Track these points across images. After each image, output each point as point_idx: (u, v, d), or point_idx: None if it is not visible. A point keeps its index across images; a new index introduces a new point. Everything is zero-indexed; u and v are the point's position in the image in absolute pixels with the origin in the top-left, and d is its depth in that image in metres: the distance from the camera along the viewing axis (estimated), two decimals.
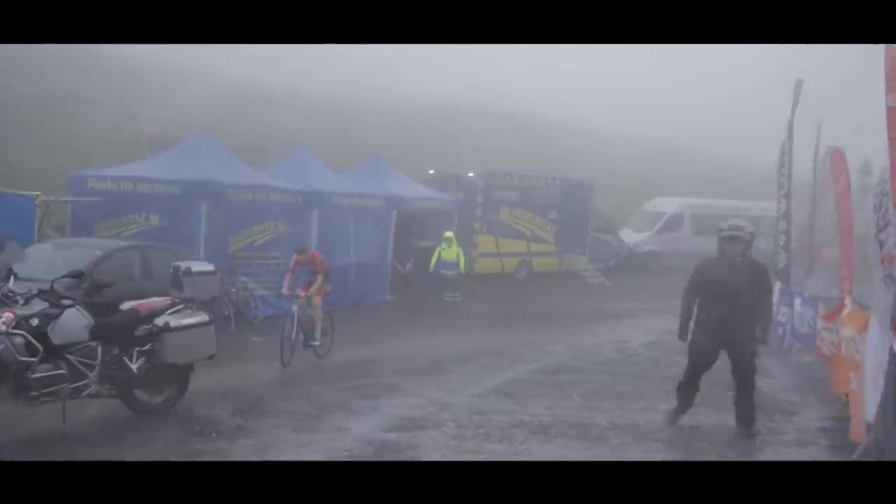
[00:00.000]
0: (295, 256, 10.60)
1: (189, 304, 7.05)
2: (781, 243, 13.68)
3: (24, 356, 6.06)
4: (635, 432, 6.95)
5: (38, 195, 11.08)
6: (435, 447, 6.18)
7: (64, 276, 6.50)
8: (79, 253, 9.49)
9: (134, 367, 6.66)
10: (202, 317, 7.00)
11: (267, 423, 6.94)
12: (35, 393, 6.16)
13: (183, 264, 7.17)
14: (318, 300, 10.45)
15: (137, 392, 6.91)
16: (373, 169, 17.39)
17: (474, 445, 6.25)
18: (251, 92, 28.07)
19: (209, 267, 7.30)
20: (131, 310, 6.82)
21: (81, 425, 6.61)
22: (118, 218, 12.64)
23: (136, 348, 6.70)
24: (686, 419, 7.31)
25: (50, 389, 6.21)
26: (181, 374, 7.09)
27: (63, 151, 17.95)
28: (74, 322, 6.38)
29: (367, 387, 8.68)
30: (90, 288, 8.76)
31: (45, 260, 9.43)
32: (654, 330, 14.39)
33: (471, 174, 19.82)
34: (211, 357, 7.06)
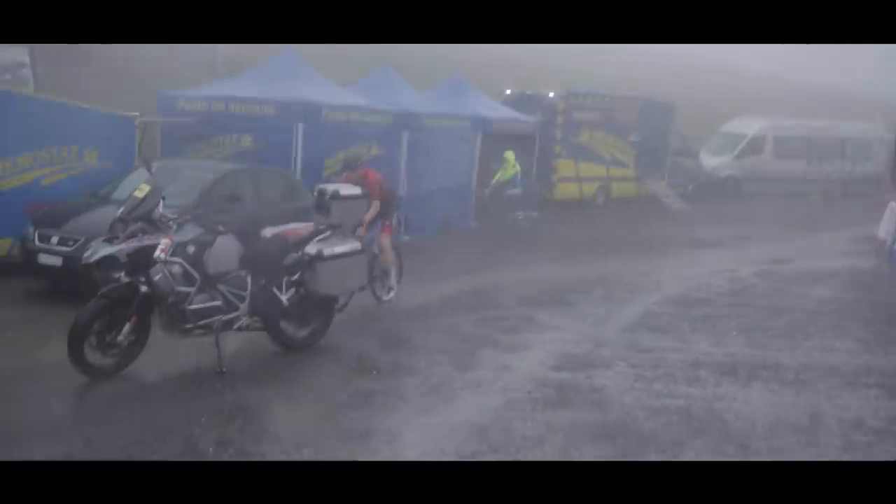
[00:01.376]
0: (344, 174, 8.63)
1: (336, 229, 6.60)
2: None
3: (181, 286, 5.70)
4: (837, 375, 6.42)
5: (137, 116, 10.61)
6: (621, 389, 5.76)
7: (225, 198, 6.09)
8: (192, 176, 9.04)
9: (284, 298, 6.27)
10: (354, 244, 6.56)
11: (423, 359, 6.58)
12: (190, 325, 5.83)
13: (330, 187, 6.70)
14: (384, 240, 8.72)
15: (283, 325, 6.55)
16: (455, 88, 16.63)
17: (663, 388, 5.82)
18: None
19: (356, 190, 6.80)
20: (279, 237, 6.39)
21: (230, 361, 6.28)
22: (209, 140, 12.18)
23: (286, 278, 6.30)
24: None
25: (205, 322, 5.88)
26: (327, 306, 6.70)
27: (129, 72, 17.44)
28: (227, 250, 6.00)
29: (500, 319, 8.26)
30: (218, 204, 8.36)
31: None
32: (755, 259, 13.81)
33: (551, 94, 18.94)
34: (363, 288, 6.64)
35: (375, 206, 8.26)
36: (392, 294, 8.48)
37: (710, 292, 10.50)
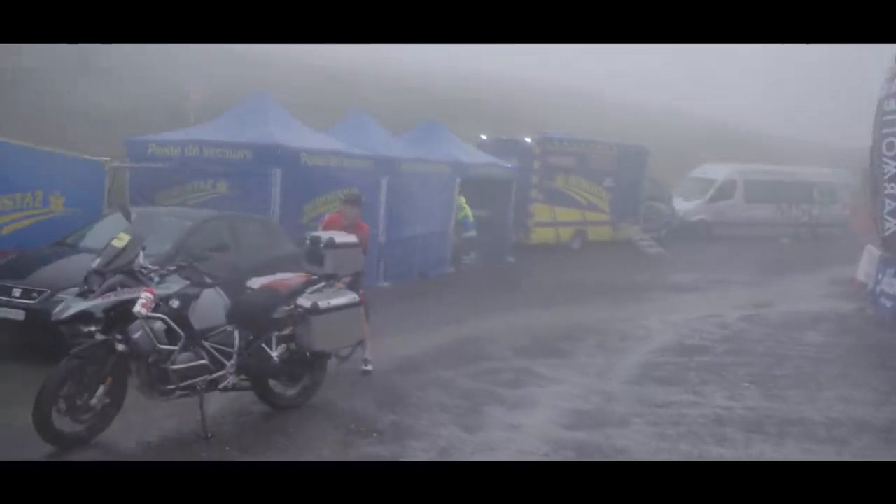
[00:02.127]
0: (341, 207, 7.84)
1: (330, 281, 6.16)
2: (889, 209, 12.70)
3: (164, 344, 5.20)
4: (870, 429, 6.09)
5: (106, 160, 10.11)
6: (646, 450, 5.36)
7: (210, 250, 5.61)
8: (167, 223, 8.54)
9: (274, 354, 5.79)
10: (351, 296, 6.10)
11: (424, 419, 6.11)
12: (173, 386, 5.31)
13: (324, 235, 6.24)
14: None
15: (273, 383, 6.06)
16: (430, 132, 16.36)
17: (692, 448, 5.43)
18: (277, 60, 26.89)
19: (351, 238, 6.35)
20: (269, 288, 5.92)
21: (215, 423, 5.75)
22: (182, 186, 11.68)
23: (276, 333, 5.83)
24: None
25: (188, 382, 5.36)
26: (319, 362, 6.22)
27: (99, 121, 16.91)
28: (213, 303, 5.52)
29: (497, 372, 7.84)
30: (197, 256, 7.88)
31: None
32: (737, 303, 13.66)
33: (527, 139, 18.84)
34: (360, 343, 6.18)
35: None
36: (370, 367, 7.55)
37: (703, 339, 10.23)
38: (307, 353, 5.96)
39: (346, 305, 5.98)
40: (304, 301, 5.82)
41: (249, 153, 11.42)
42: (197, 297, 5.31)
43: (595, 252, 19.42)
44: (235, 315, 5.62)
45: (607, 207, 20.39)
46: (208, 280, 5.51)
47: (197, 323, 5.32)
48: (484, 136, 19.45)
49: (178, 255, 7.96)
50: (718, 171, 24.02)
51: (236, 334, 5.55)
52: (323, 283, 6.06)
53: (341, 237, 6.20)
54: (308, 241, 6.22)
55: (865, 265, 14.51)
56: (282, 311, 5.83)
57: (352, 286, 7.75)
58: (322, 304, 5.80)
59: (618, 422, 6.06)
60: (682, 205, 23.07)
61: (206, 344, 5.38)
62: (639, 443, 5.55)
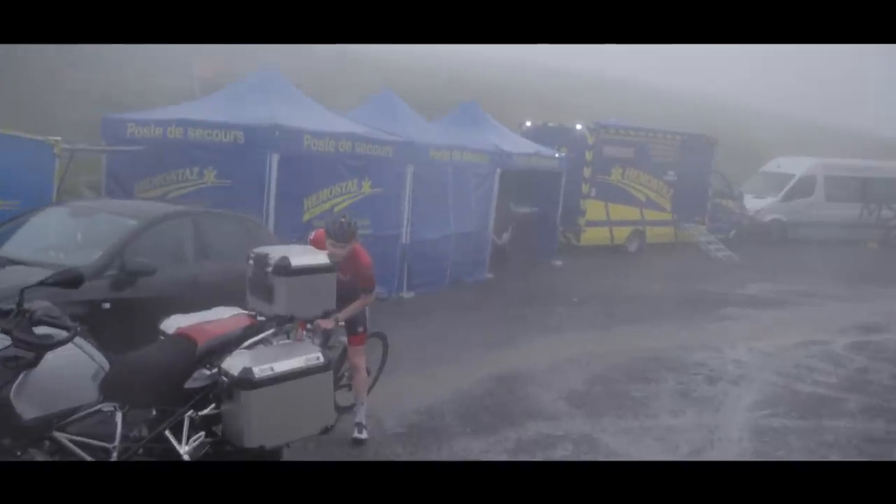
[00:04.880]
0: (313, 235, 5.81)
1: (283, 326, 3.93)
2: None
3: None
4: None
5: (56, 141, 8.06)
6: None
7: (49, 282, 3.33)
8: (106, 222, 6.41)
9: (183, 450, 3.57)
10: (311, 355, 3.80)
11: None
12: None
13: (272, 252, 3.96)
14: (357, 356, 5.69)
15: None
16: (468, 117, 14.15)
17: None
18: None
19: (320, 259, 4.06)
20: (185, 337, 3.72)
21: None
22: (164, 174, 9.65)
23: (189, 413, 3.64)
24: None
25: None
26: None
27: (96, 101, 15.00)
28: (68, 372, 3.27)
29: (548, 445, 5.59)
30: (119, 278, 5.82)
31: (57, 233, 6.47)
32: (840, 325, 11.24)
33: (579, 126, 16.47)
34: (326, 431, 3.89)
35: (367, 300, 5.60)
36: (365, 434, 5.53)
37: (818, 382, 7.89)
38: (241, 451, 3.67)
39: (301, 373, 3.70)
40: (233, 364, 3.57)
41: (242, 135, 9.32)
42: (32, 364, 3.10)
43: (655, 256, 17.01)
44: (117, 385, 3.39)
45: (669, 205, 17.97)
46: (44, 334, 3.18)
47: (30, 409, 3.11)
48: (529, 123, 17.19)
49: (111, 266, 5.89)
50: (795, 166, 21.28)
51: (118, 417, 3.36)
52: (272, 331, 3.84)
53: (303, 257, 3.90)
54: (251, 262, 3.99)
55: None
56: (200, 377, 3.62)
57: (353, 325, 5.63)
58: (259, 370, 3.51)
59: None
60: (753, 203, 20.44)
61: (62, 437, 3.20)
62: None
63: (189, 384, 3.58)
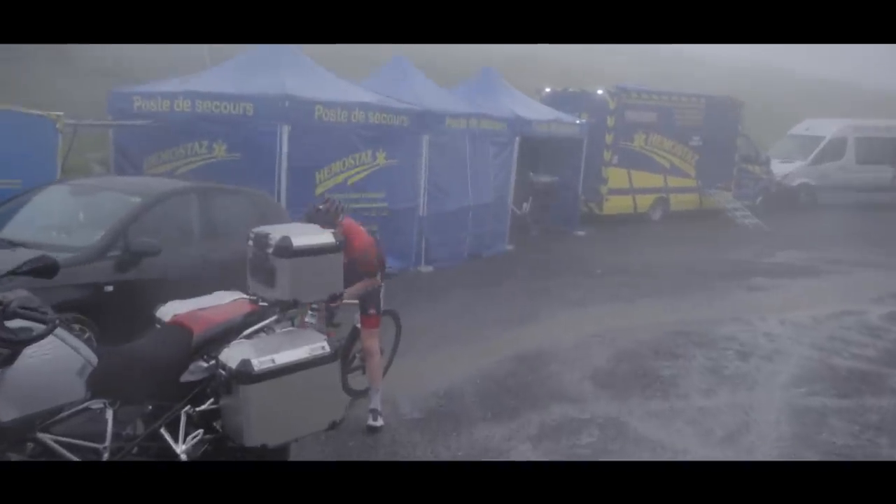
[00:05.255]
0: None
1: (286, 313, 3.63)
2: None
3: None
4: None
5: (59, 116, 7.78)
6: None
7: (20, 270, 2.99)
8: (109, 200, 6.14)
9: (180, 449, 3.30)
10: (315, 344, 3.48)
11: None
12: None
13: (273, 231, 3.64)
14: (370, 339, 5.39)
15: None
16: (486, 84, 13.72)
17: None
18: None
19: (324, 237, 3.73)
20: (181, 326, 3.44)
21: None
22: (173, 149, 9.36)
23: (186, 409, 3.34)
24: None
25: None
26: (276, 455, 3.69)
27: (107, 75, 14.70)
28: (50, 368, 2.97)
29: (572, 429, 5.29)
30: (123, 259, 5.56)
31: (58, 212, 6.21)
32: (874, 294, 10.80)
33: (600, 91, 15.97)
34: (333, 427, 3.59)
35: (371, 283, 5.24)
36: (380, 421, 5.23)
37: (855, 356, 7.51)
38: (241, 449, 3.38)
39: (306, 364, 3.37)
40: (231, 356, 3.27)
41: (251, 106, 8.99)
42: (8, 361, 2.82)
43: (680, 224, 16.56)
44: (106, 381, 3.10)
45: (694, 171, 17.46)
46: (21, 328, 2.86)
47: (16, 406, 2.83)
48: (548, 89, 16.70)
49: (114, 246, 5.62)
50: (825, 128, 20.60)
51: (108, 415, 3.09)
52: (274, 318, 3.54)
53: (307, 237, 3.58)
54: (251, 243, 3.68)
55: None
56: (196, 370, 3.34)
57: (365, 305, 5.33)
58: (259, 362, 3.19)
59: None
60: (780, 167, 19.86)
61: (47, 437, 2.94)
62: None
63: (185, 377, 3.29)
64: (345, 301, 5.00)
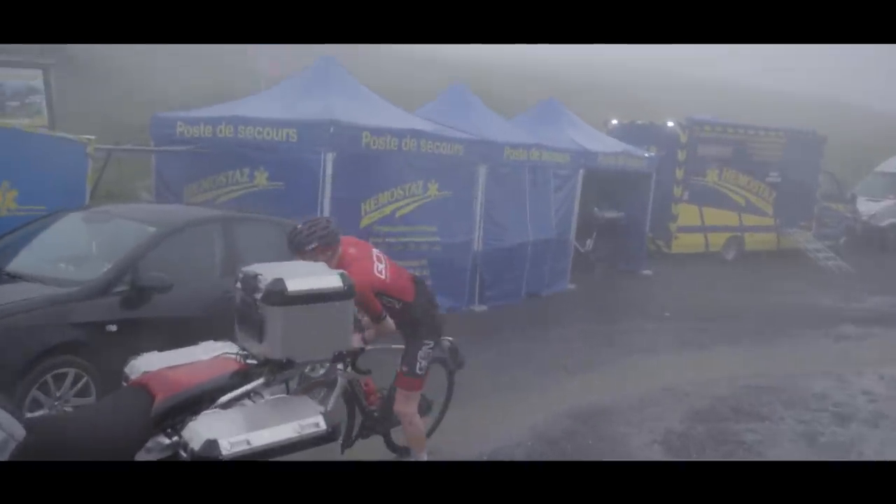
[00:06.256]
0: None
1: (276, 374, 2.88)
2: None
3: None
4: None
5: (89, 140, 7.35)
6: None
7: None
8: (123, 229, 5.60)
9: None
10: (307, 420, 2.70)
11: None
12: None
13: (265, 271, 2.92)
14: (405, 403, 4.56)
15: None
16: (549, 114, 13.00)
17: None
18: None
19: (330, 280, 2.98)
20: (135, 388, 2.72)
21: None
22: (213, 177, 8.92)
23: None
24: None
25: None
26: None
27: (159, 104, 14.56)
28: None
29: None
30: (130, 295, 4.97)
31: (68, 241, 5.69)
32: None
33: (671, 123, 15.07)
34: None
35: (383, 331, 4.31)
36: None
37: None
38: None
39: (291, 446, 2.59)
40: (196, 432, 2.53)
41: (294, 132, 8.46)
42: None
43: (755, 264, 15.43)
44: (33, 449, 2.41)
45: (771, 209, 16.32)
46: None
47: None
48: (615, 121, 15.89)
49: (120, 281, 5.04)
50: None
51: None
52: (261, 381, 2.81)
53: (305, 278, 2.81)
54: (238, 284, 2.97)
55: None
56: (155, 448, 2.62)
57: (402, 358, 4.53)
58: (228, 443, 2.47)
59: None
60: (867, 206, 18.50)
61: None
62: None
63: (141, 456, 2.60)
64: (370, 340, 4.27)
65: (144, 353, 2.99)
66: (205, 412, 2.63)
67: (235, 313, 2.97)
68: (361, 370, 4.49)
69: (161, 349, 3.36)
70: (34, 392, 4.59)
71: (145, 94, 14.94)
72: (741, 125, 15.92)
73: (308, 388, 4.36)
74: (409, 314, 4.42)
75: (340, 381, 4.38)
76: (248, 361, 2.86)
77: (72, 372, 4.73)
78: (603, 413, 6.22)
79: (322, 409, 2.76)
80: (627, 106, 22.87)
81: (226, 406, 2.70)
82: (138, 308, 5.02)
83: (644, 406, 6.47)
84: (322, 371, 4.27)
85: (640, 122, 15.77)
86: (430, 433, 5.03)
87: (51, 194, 6.88)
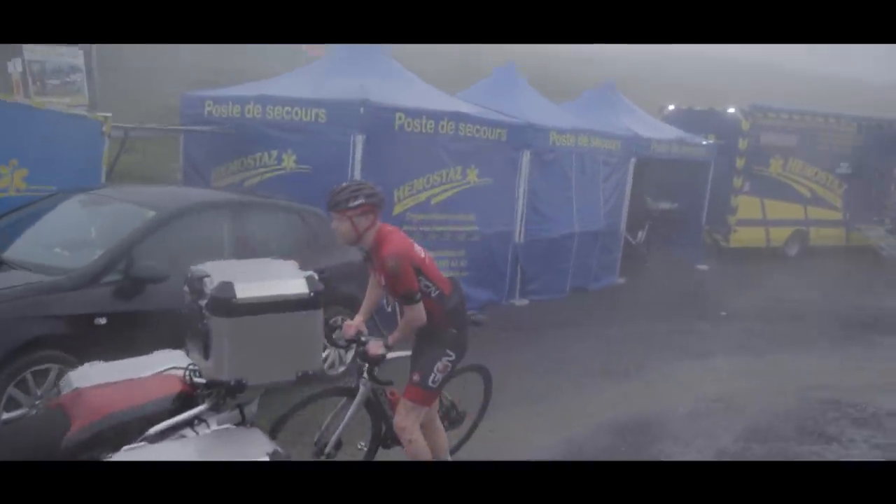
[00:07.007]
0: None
1: (226, 400, 2.34)
2: None
3: None
4: None
5: (105, 118, 6.96)
6: None
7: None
8: (121, 213, 5.16)
9: None
10: (254, 452, 2.16)
11: None
12: None
13: (213, 272, 2.37)
14: (404, 407, 3.91)
15: None
16: (603, 100, 12.27)
17: None
18: None
19: (293, 285, 2.36)
20: (53, 411, 2.23)
21: None
22: (241, 159, 8.47)
23: None
24: None
25: None
26: None
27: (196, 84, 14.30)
28: None
29: None
30: (123, 285, 4.52)
31: (67, 226, 5.27)
32: None
33: (731, 109, 14.16)
34: None
35: (413, 321, 3.76)
36: None
37: None
38: None
39: None
40: (131, 456, 2.02)
41: (323, 113, 7.95)
42: None
43: (821, 261, 14.41)
44: None
45: (840, 202, 15.28)
46: None
47: None
48: (672, 107, 15.04)
49: (112, 270, 4.59)
50: None
51: None
52: (205, 407, 2.28)
53: (260, 283, 2.25)
54: (186, 287, 2.42)
55: None
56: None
57: (412, 362, 4.00)
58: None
59: None
60: None
61: None
62: None
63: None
64: (393, 344, 3.77)
65: (86, 364, 2.52)
66: (132, 444, 2.12)
67: (189, 331, 2.44)
68: (381, 381, 3.97)
69: (157, 346, 2.96)
70: (11, 390, 4.18)
71: (182, 75, 14.65)
72: (808, 111, 14.91)
73: (326, 393, 3.91)
74: (442, 306, 3.87)
75: (363, 390, 3.89)
76: (196, 380, 2.34)
77: (55, 368, 4.30)
78: (647, 427, 5.59)
79: (272, 446, 2.23)
80: (689, 92, 21.89)
81: (156, 438, 2.19)
82: (131, 300, 4.57)
83: (693, 419, 5.81)
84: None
85: (698, 108, 14.88)
86: (454, 450, 4.49)
87: (63, 174, 6.49)
